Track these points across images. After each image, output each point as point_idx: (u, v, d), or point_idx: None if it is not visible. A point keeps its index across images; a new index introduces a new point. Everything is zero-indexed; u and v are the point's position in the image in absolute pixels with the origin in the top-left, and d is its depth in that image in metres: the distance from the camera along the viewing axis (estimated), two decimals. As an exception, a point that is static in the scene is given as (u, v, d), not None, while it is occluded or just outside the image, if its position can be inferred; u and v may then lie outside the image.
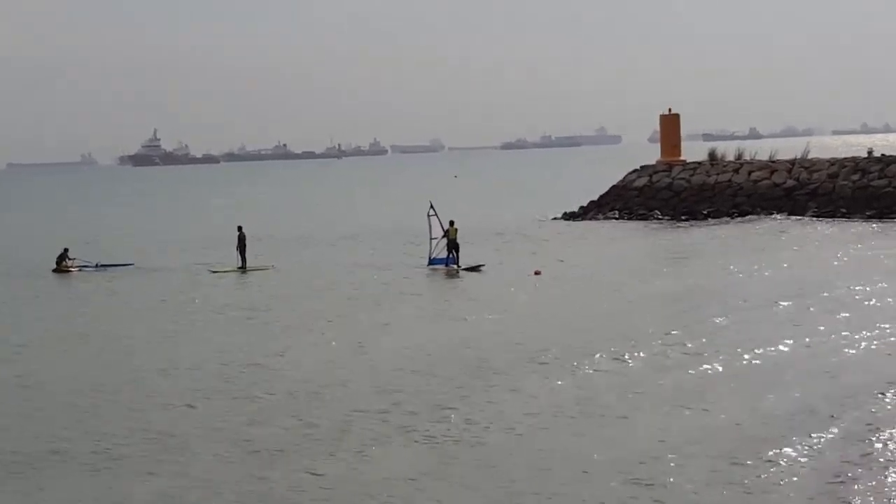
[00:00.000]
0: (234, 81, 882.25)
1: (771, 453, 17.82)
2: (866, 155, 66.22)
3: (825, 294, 34.19)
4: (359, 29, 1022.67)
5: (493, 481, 17.13)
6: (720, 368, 24.31)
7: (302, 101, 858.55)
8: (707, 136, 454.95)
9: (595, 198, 72.23)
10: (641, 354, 25.86)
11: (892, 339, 26.85)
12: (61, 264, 50.02)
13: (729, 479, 16.75)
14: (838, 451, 17.91)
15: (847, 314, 30.41)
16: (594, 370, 24.56)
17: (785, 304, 32.56)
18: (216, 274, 46.43)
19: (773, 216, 61.67)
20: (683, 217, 64.93)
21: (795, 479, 16.70)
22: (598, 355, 25.83)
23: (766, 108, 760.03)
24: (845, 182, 63.17)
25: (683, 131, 76.49)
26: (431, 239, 46.52)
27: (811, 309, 31.64)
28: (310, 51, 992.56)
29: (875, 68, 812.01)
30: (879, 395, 21.30)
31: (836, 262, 42.23)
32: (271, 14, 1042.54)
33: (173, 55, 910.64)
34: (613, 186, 72.79)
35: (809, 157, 68.52)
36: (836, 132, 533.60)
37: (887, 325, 28.30)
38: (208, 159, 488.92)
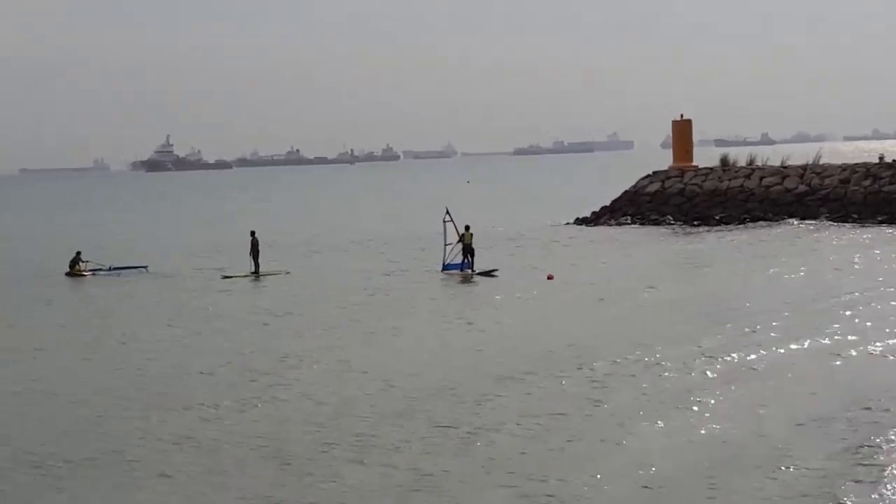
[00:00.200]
0: (235, 81, 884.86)
1: (787, 459, 17.91)
2: (878, 160, 66.22)
3: (844, 298, 34.17)
4: (359, 29, 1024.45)
5: (511, 481, 17.29)
6: (744, 371, 24.35)
7: (302, 102, 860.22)
8: (719, 142, 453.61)
9: (607, 203, 72.40)
10: (655, 360, 25.90)
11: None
12: (75, 268, 50.31)
13: (739, 486, 16.85)
14: (856, 459, 17.95)
15: (868, 319, 30.32)
16: (608, 374, 24.66)
17: (801, 308, 32.52)
18: (229, 279, 46.56)
19: (786, 221, 61.73)
20: (695, 222, 65.01)
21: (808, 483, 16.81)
22: (613, 360, 25.91)
23: (778, 113, 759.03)
24: (857, 187, 63.20)
25: (695, 137, 76.67)
26: (446, 245, 46.67)
27: (828, 314, 31.55)
28: (310, 51, 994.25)
29: (887, 75, 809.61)
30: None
31: (856, 267, 42.21)
32: (271, 14, 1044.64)
33: (173, 55, 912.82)
34: (626, 192, 72.92)
35: (821, 162, 68.61)
36: (847, 138, 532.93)
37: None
38: (221, 165, 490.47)
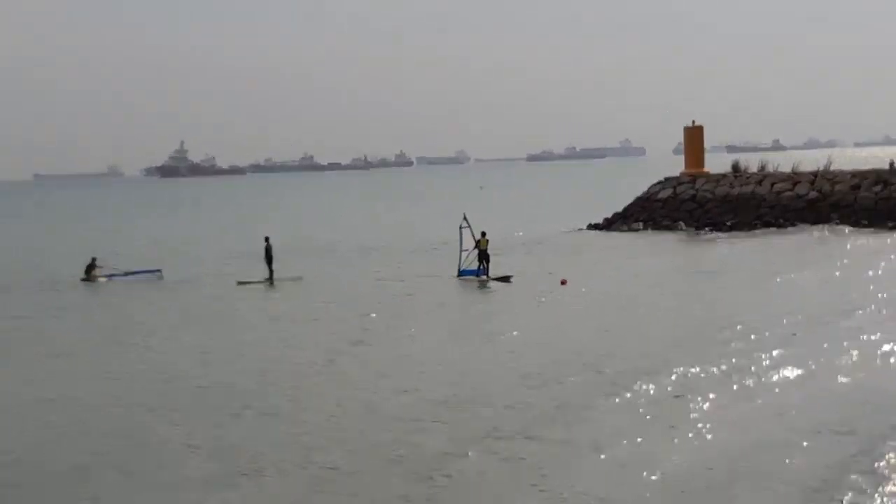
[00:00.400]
0: (235, 81, 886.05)
1: (797, 466, 18.14)
2: (888, 167, 66.37)
3: (854, 305, 34.21)
4: (359, 29, 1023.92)
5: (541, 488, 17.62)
6: (755, 378, 24.52)
7: (303, 102, 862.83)
8: (731, 148, 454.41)
9: (620, 209, 72.69)
10: (664, 368, 26.07)
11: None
12: (90, 273, 50.75)
13: (747, 495, 17.10)
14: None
15: (876, 325, 30.30)
16: (615, 382, 24.89)
17: (812, 316, 32.56)
18: (243, 285, 46.73)
19: (797, 227, 61.98)
20: (707, 228, 65.28)
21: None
22: (623, 368, 26.12)
23: (789, 120, 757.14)
24: (867, 193, 63.42)
25: (707, 143, 76.88)
26: (462, 251, 46.96)
27: (838, 322, 31.54)
28: (310, 51, 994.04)
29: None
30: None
31: (869, 273, 42.12)
32: (271, 14, 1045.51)
33: (173, 55, 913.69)
34: (638, 198, 73.20)
35: (832, 168, 68.79)
36: (858, 144, 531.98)
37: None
38: (235, 171, 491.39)
